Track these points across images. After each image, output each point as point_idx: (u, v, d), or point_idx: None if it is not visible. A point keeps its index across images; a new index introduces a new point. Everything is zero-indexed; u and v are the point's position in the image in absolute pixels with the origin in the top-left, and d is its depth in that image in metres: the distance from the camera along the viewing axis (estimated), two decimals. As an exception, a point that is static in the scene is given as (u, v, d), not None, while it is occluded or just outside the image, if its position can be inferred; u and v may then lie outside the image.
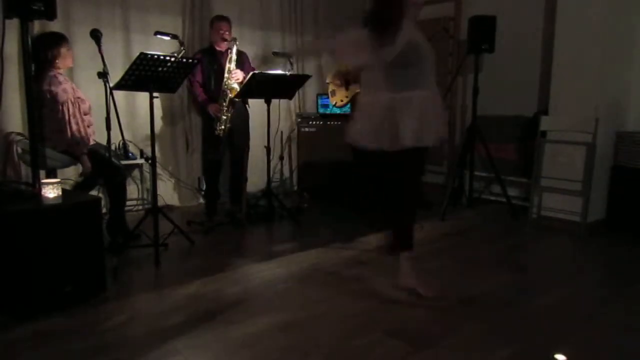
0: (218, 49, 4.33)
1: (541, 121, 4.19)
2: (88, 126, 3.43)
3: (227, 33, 4.25)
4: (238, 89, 4.12)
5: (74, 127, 3.23)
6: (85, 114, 3.39)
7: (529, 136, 4.54)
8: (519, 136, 4.74)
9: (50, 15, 2.54)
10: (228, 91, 4.18)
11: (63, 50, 3.31)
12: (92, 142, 3.45)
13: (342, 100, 4.63)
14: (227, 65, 4.19)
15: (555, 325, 2.41)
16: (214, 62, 4.29)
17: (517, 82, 4.86)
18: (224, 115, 4.19)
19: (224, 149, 4.42)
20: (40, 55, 3.20)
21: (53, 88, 3.18)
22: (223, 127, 4.21)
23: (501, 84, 4.91)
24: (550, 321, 2.46)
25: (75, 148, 3.29)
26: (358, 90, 4.47)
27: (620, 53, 4.07)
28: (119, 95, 3.45)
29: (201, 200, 4.88)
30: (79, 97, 3.35)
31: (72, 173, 3.88)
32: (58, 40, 3.32)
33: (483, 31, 4.49)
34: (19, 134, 3.65)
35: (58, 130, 3.23)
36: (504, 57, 4.76)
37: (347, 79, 4.52)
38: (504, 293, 2.80)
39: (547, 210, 4.29)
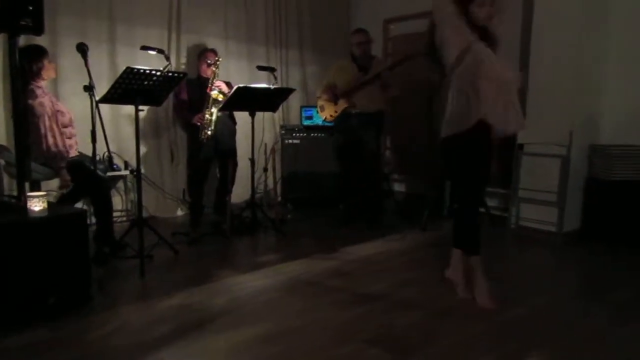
0: (204, 76, 4.41)
1: (518, 134, 4.32)
2: (69, 137, 3.45)
3: (211, 60, 4.32)
4: (219, 94, 4.20)
5: (50, 140, 3.25)
6: (65, 127, 3.41)
7: (507, 148, 4.66)
8: (497, 148, 4.85)
9: (38, 30, 2.57)
10: (211, 94, 4.23)
11: (46, 62, 3.34)
12: (74, 154, 3.47)
13: (331, 115, 4.71)
14: (210, 78, 4.25)
15: (532, 335, 2.49)
16: (200, 89, 4.35)
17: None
18: (207, 116, 4.22)
19: (210, 156, 4.46)
20: (24, 69, 3.22)
21: (30, 101, 3.20)
22: (207, 131, 4.25)
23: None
24: (528, 330, 2.54)
25: (51, 161, 3.31)
26: (346, 105, 4.57)
27: (593, 69, 4.24)
28: (104, 106, 3.48)
29: (185, 212, 4.90)
30: (58, 110, 3.36)
31: (56, 185, 3.88)
32: (41, 53, 3.35)
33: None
34: (2, 146, 3.66)
35: (36, 143, 3.24)
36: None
37: (335, 94, 4.60)
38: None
39: (525, 221, 4.42)
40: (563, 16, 4.07)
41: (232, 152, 4.59)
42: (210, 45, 4.77)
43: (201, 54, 4.55)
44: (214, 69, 4.25)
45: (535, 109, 4.30)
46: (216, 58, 4.31)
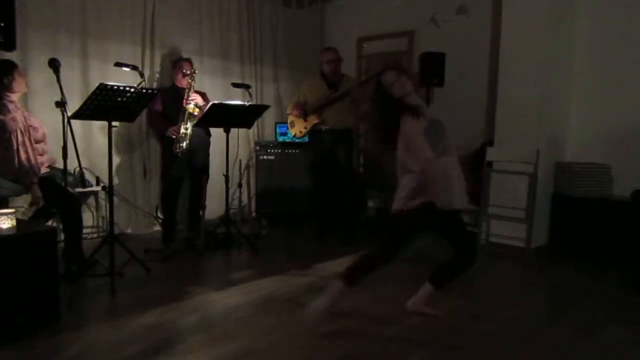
0: (179, 85, 4.39)
1: (487, 152, 4.44)
2: (42, 154, 3.40)
3: (188, 71, 4.31)
4: (195, 108, 4.19)
5: (23, 156, 3.20)
6: (37, 142, 3.37)
7: (477, 166, 4.77)
8: (467, 166, 4.96)
9: (10, 46, 2.56)
10: (186, 109, 4.21)
11: (16, 75, 3.30)
12: (45, 170, 3.42)
13: (301, 132, 4.75)
14: (186, 91, 4.24)
15: (501, 348, 2.55)
16: (175, 98, 4.32)
17: (465, 114, 5.09)
18: (182, 130, 4.20)
19: (183, 172, 4.43)
20: None
21: (1, 117, 3.15)
22: (182, 144, 4.22)
23: (451, 116, 5.10)
24: (497, 344, 2.60)
25: (24, 177, 3.25)
26: (316, 121, 4.63)
27: (559, 90, 4.40)
28: (76, 121, 3.44)
29: (158, 228, 4.85)
30: (30, 126, 3.32)
31: (24, 202, 3.80)
32: (11, 66, 3.30)
33: (433, 66, 4.73)
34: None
35: (7, 159, 3.19)
36: (453, 91, 5.01)
37: (305, 110, 4.65)
38: (453, 318, 2.93)
39: (495, 237, 4.51)
40: (530, 41, 4.22)
41: (205, 169, 4.57)
42: (185, 62, 4.76)
43: (176, 62, 4.50)
44: (189, 80, 4.24)
45: (503, 129, 4.43)
46: (192, 69, 4.30)
